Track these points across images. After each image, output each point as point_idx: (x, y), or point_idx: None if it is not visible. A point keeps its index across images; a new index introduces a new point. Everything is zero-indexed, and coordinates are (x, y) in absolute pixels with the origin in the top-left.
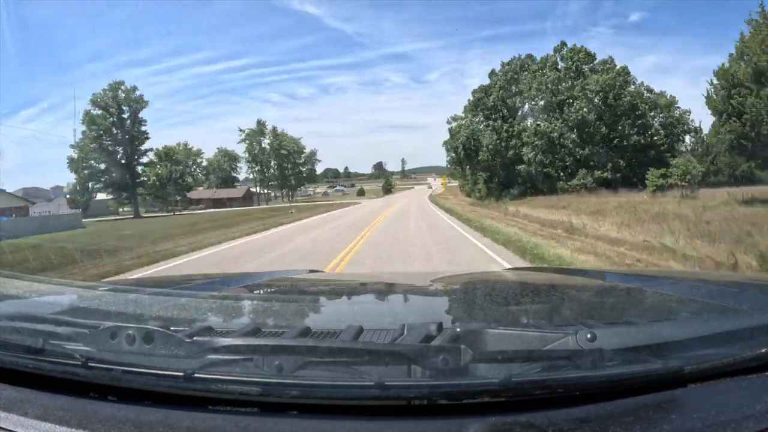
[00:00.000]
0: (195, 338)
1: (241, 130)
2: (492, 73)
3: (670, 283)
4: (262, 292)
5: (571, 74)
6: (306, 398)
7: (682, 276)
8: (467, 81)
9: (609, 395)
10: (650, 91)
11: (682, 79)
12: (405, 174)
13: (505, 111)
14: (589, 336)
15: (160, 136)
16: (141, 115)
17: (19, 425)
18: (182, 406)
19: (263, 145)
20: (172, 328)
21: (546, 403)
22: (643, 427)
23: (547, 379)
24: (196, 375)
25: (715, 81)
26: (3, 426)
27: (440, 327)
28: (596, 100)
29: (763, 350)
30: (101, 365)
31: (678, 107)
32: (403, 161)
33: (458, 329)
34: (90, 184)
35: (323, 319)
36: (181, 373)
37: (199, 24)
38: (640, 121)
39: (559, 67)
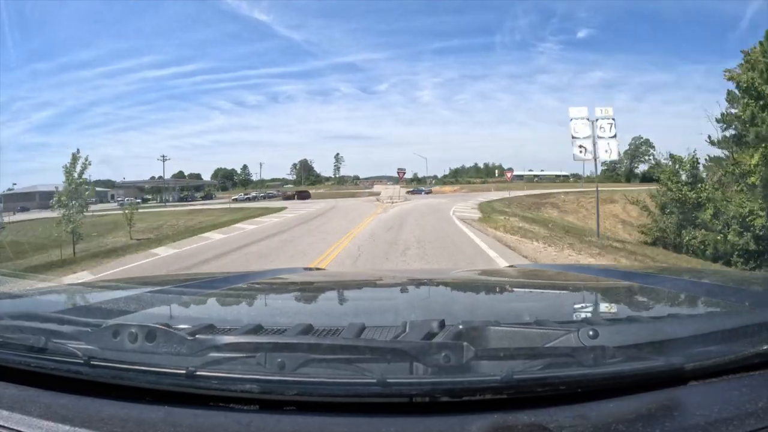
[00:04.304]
0: (197, 336)
1: None
2: None
3: (672, 280)
4: (264, 289)
5: None
6: (308, 395)
7: (684, 273)
8: (417, 93)
9: (611, 392)
10: None
11: (628, 94)
12: (341, 180)
13: None
14: (591, 333)
15: (104, 141)
16: None
17: (22, 424)
18: (184, 403)
19: None
20: (174, 326)
21: (548, 401)
22: (645, 424)
23: (549, 377)
24: (198, 373)
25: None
26: (6, 425)
27: (442, 324)
28: None
29: (765, 347)
30: (104, 363)
31: None
32: (337, 158)
33: (460, 326)
34: None
35: (325, 316)
36: (183, 371)
37: (145, 27)
38: None
39: None
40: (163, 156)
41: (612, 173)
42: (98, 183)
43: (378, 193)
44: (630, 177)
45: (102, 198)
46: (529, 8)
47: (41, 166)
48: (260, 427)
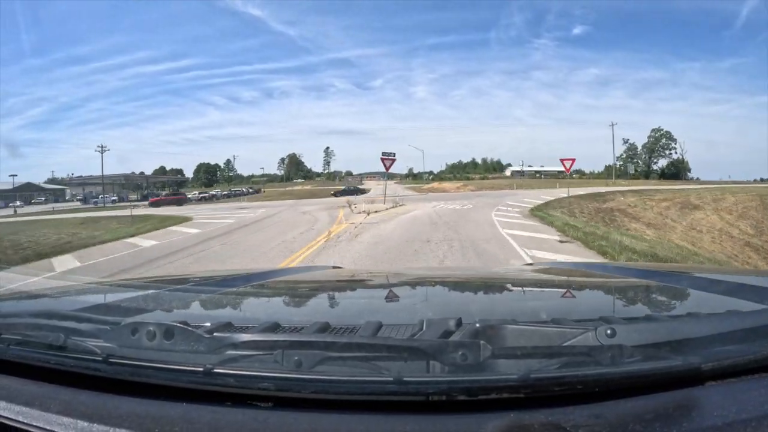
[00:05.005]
0: (215, 334)
1: None
2: None
3: (690, 279)
4: (281, 287)
5: None
6: (324, 393)
7: (702, 271)
8: (412, 89)
9: (628, 392)
10: None
11: (623, 91)
12: (330, 175)
13: None
14: (608, 332)
15: (98, 137)
16: None
17: (41, 420)
18: (202, 401)
19: None
20: (192, 324)
21: (565, 400)
22: (663, 424)
23: (566, 376)
24: (215, 370)
25: None
26: (25, 421)
27: (459, 323)
28: None
29: None
30: (122, 361)
31: None
32: (327, 152)
33: (477, 325)
34: None
35: (342, 314)
36: (200, 369)
37: (140, 22)
38: None
39: None
40: (102, 146)
41: (630, 170)
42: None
43: (366, 191)
44: (648, 174)
45: (58, 197)
46: (525, 5)
47: (33, 162)
48: (277, 425)
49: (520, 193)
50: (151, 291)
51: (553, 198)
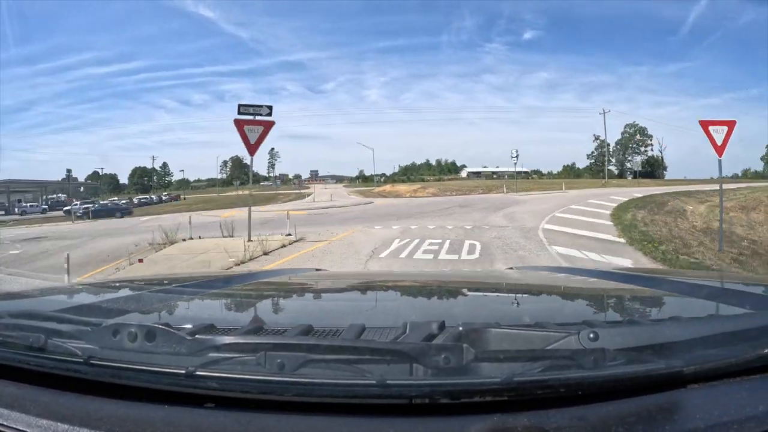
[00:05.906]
0: (197, 336)
1: None
2: None
3: (673, 283)
4: (264, 290)
5: None
6: (307, 396)
7: (685, 276)
8: (364, 92)
9: (611, 395)
10: None
11: (572, 94)
12: (277, 178)
13: None
14: (591, 335)
15: (43, 141)
16: None
17: (20, 422)
18: (184, 403)
19: None
20: (174, 326)
21: (548, 403)
22: (645, 427)
23: (549, 379)
24: (197, 373)
25: None
26: (5, 423)
27: (442, 326)
28: None
29: (766, 351)
30: (103, 363)
31: None
32: (271, 153)
33: (460, 328)
34: None
35: (325, 317)
36: (182, 371)
37: (87, 21)
38: None
39: None
40: None
41: (594, 167)
42: None
43: (306, 194)
44: (623, 172)
45: None
46: (476, 9)
47: None
48: (259, 428)
49: (526, 200)
50: (133, 292)
51: (597, 210)
